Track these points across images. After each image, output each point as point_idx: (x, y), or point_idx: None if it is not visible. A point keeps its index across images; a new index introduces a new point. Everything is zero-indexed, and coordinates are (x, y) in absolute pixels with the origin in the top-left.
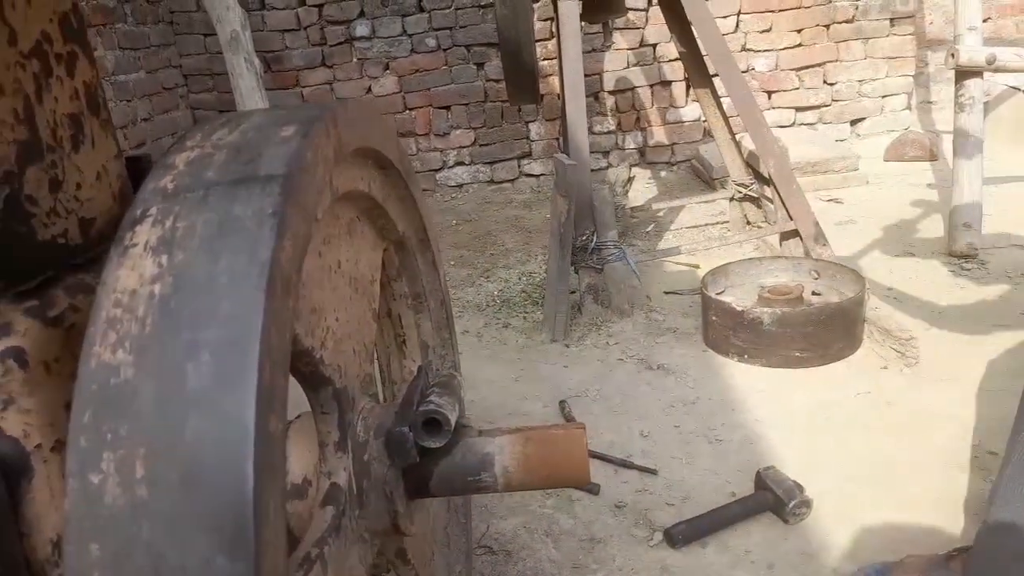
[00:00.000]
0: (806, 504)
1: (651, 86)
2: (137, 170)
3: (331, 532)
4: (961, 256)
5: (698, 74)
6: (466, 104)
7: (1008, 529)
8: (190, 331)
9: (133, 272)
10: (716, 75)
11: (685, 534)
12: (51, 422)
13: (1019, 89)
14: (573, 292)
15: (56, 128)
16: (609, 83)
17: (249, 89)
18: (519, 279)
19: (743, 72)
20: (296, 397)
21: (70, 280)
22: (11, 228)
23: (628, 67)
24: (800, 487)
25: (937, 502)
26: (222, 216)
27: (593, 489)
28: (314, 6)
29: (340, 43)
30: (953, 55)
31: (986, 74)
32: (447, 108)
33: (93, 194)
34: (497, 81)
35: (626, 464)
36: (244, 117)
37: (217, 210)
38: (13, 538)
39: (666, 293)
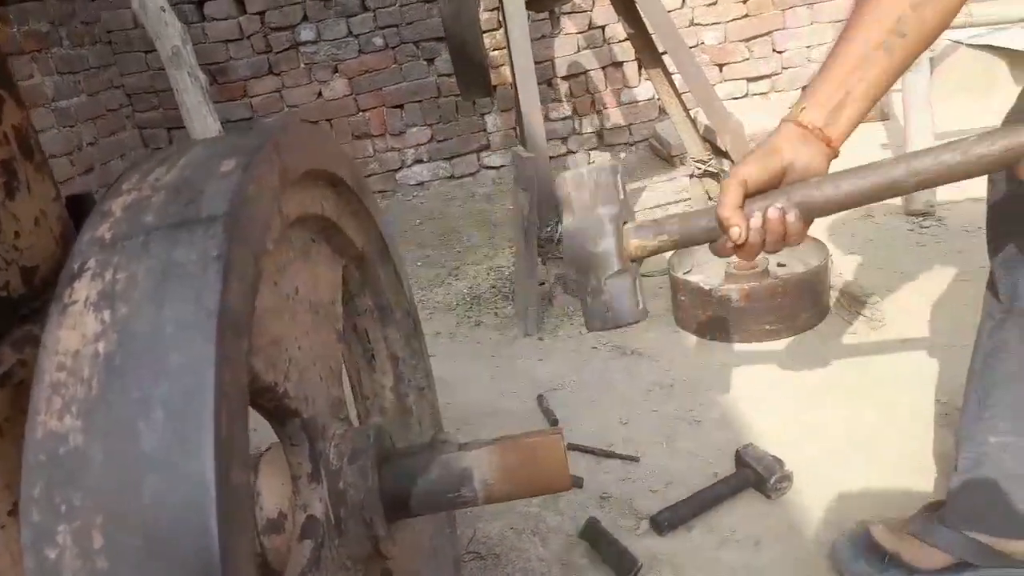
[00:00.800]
0: (787, 478)
1: (603, 68)
2: (79, 209)
3: (311, 566)
4: (919, 214)
5: (648, 54)
6: (419, 101)
7: (978, 465)
8: (139, 389)
9: (75, 331)
10: (666, 53)
11: (671, 520)
12: (7, 484)
13: (961, 43)
14: (542, 284)
15: None
16: (561, 68)
17: (195, 104)
18: (488, 274)
19: (692, 47)
20: (264, 425)
21: (16, 334)
22: None
23: (579, 51)
24: (780, 462)
25: (912, 462)
26: (164, 263)
27: (577, 482)
28: (255, 14)
29: (285, 49)
30: None
31: None
32: (400, 107)
33: (33, 241)
34: (449, 75)
35: (608, 454)
36: (183, 151)
37: (159, 257)
38: None
39: None
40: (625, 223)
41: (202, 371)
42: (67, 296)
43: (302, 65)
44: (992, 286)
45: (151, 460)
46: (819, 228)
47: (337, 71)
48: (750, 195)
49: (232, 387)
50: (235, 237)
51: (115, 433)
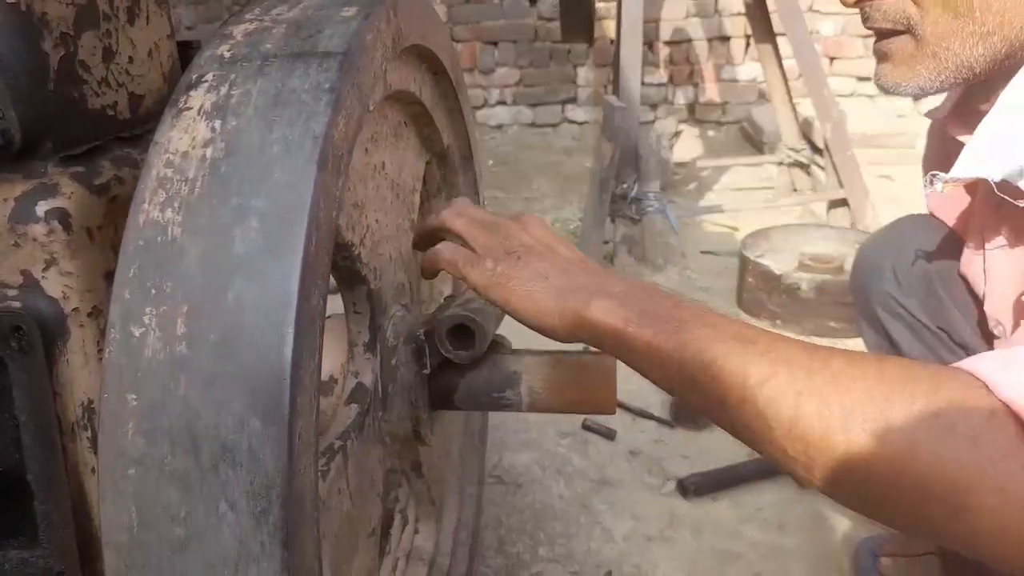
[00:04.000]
0: None
1: (709, 40)
2: (187, 55)
3: (355, 428)
4: None
5: (762, 29)
6: (515, 41)
7: None
8: (239, 196)
9: (186, 134)
10: (782, 34)
11: (698, 485)
12: (89, 288)
13: None
14: (606, 242)
15: None
16: (665, 33)
17: None
18: (552, 224)
19: None
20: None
21: (117, 152)
22: (63, 92)
23: (687, 17)
24: None
25: None
26: (278, 87)
27: (609, 434)
28: None
29: None
30: None
31: None
32: (495, 44)
33: (144, 71)
34: (549, 20)
35: (644, 414)
36: None
37: (273, 81)
38: (47, 397)
39: (702, 252)
40: None
41: (301, 191)
42: (182, 102)
43: None
44: None
45: (240, 264)
46: None
47: None
48: None
49: (324, 219)
50: (348, 77)
51: (211, 233)
